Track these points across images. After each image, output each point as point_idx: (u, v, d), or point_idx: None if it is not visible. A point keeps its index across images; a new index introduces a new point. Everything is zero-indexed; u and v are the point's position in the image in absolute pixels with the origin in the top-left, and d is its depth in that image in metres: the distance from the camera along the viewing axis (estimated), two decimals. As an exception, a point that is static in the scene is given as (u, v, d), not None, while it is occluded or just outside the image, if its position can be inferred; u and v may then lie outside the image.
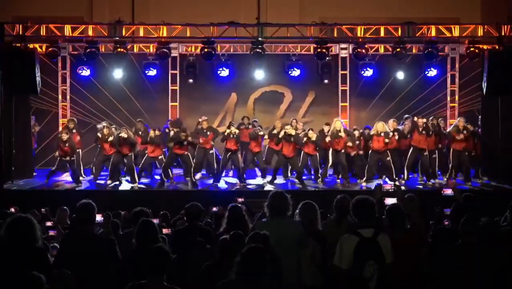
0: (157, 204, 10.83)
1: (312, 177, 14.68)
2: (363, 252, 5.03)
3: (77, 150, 14.62)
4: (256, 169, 15.43)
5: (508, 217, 6.64)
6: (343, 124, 14.52)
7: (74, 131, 14.82)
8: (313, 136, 14.13)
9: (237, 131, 14.21)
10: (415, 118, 14.23)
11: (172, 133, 13.74)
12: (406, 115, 14.85)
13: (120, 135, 13.74)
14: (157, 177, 14.52)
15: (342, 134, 13.82)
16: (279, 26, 14.47)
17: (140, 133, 14.78)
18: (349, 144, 14.07)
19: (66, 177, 14.69)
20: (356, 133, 14.65)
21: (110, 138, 13.96)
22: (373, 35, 14.65)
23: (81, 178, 14.57)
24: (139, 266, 4.77)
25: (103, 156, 14.38)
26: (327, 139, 13.93)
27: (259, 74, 16.18)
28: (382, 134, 13.65)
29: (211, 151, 14.30)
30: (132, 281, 4.60)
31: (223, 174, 14.66)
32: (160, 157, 14.54)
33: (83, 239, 5.62)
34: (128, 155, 13.84)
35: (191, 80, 16.67)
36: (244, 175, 14.30)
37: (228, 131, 14.06)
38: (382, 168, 14.19)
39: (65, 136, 13.99)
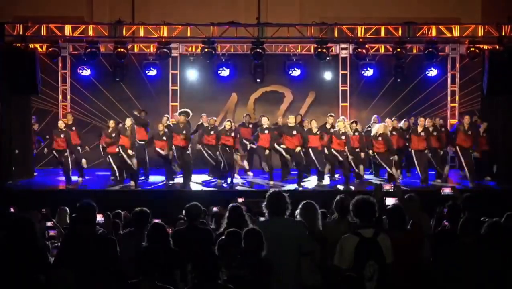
0: (157, 204, 10.81)
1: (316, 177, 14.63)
2: (364, 252, 5.03)
3: (77, 148, 14.55)
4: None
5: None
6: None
7: (73, 128, 14.66)
8: (314, 127, 14.07)
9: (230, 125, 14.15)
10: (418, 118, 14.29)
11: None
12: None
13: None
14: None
15: (350, 132, 13.73)
16: (279, 26, 14.46)
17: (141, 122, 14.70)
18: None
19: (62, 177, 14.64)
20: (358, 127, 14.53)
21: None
22: (373, 35, 14.65)
23: (80, 178, 14.54)
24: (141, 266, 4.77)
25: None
26: (325, 138, 13.84)
27: (260, 78, 16.25)
28: (380, 138, 13.59)
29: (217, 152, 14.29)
30: (126, 281, 4.60)
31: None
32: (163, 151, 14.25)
33: (83, 239, 5.61)
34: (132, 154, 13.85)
35: (193, 76, 16.66)
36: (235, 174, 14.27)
37: (228, 125, 14.04)
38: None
39: (62, 124, 13.97)
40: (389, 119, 14.76)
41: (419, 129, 13.87)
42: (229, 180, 14.07)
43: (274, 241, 5.26)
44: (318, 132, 14.04)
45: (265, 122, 14.21)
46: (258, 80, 16.51)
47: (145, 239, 5.75)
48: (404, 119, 15.13)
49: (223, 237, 5.61)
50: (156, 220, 6.56)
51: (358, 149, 13.90)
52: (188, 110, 14.97)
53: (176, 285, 5.32)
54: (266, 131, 14.06)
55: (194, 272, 4.43)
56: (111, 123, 14.10)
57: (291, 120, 13.90)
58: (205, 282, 4.40)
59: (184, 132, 13.86)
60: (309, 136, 13.93)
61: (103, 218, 7.34)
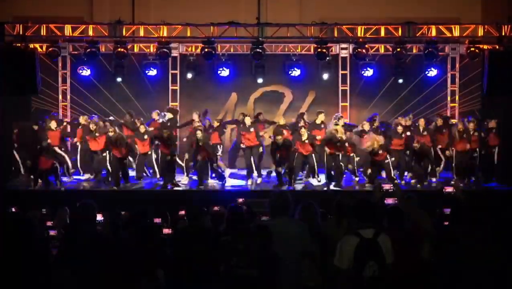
0: (157, 204, 10.83)
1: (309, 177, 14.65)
2: (364, 252, 5.03)
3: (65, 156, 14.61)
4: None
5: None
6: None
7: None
8: (304, 134, 14.11)
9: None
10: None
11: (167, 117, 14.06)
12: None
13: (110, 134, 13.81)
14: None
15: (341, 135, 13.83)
16: (279, 26, 14.46)
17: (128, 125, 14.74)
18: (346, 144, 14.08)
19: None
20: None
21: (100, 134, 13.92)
22: (373, 35, 14.64)
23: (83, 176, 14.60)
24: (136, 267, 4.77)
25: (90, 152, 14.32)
26: (318, 137, 14.05)
27: (260, 78, 16.23)
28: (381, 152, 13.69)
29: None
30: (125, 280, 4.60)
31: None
32: (149, 153, 14.56)
33: (83, 239, 5.62)
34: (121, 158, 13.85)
35: (189, 75, 16.58)
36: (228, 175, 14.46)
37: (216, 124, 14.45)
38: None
39: (53, 124, 14.00)
40: (401, 117, 15.02)
41: (421, 129, 14.07)
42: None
43: (277, 241, 5.25)
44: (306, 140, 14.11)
45: (247, 121, 14.60)
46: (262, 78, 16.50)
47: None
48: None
49: (229, 235, 5.61)
50: (155, 220, 6.58)
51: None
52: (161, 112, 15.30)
53: (159, 285, 5.32)
54: (251, 129, 14.53)
55: (185, 273, 4.36)
56: (100, 123, 14.19)
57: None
58: (200, 282, 4.36)
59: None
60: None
61: (103, 218, 7.35)
